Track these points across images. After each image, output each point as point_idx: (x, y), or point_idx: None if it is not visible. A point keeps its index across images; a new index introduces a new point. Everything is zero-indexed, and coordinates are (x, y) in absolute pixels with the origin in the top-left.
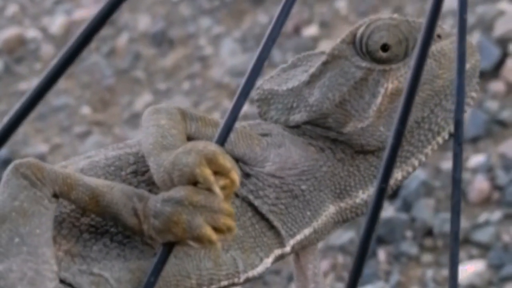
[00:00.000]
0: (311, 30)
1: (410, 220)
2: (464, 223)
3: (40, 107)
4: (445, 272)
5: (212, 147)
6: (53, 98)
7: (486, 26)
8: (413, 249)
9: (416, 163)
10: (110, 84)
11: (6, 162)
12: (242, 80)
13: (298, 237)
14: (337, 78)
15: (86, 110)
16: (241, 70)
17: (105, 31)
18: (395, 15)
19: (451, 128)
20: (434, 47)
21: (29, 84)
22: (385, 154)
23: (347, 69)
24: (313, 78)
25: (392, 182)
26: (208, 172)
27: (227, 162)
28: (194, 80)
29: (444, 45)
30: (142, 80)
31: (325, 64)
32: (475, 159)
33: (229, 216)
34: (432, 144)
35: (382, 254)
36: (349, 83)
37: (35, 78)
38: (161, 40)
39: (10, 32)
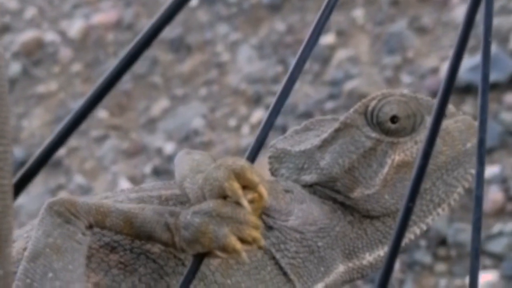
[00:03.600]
0: (328, 39)
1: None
2: None
3: (58, 110)
4: (458, 281)
5: (241, 162)
6: (71, 102)
7: (502, 38)
8: (426, 258)
9: (417, 231)
10: (128, 89)
11: (23, 163)
12: (274, 99)
13: None
14: (348, 145)
15: (103, 114)
16: (258, 77)
17: (122, 36)
18: (406, 91)
19: (451, 200)
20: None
21: (47, 87)
22: (403, 204)
23: (358, 138)
24: (325, 143)
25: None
26: (236, 186)
27: (254, 176)
28: (211, 86)
29: (449, 124)
30: (159, 85)
31: (337, 131)
32: (489, 170)
33: (255, 228)
34: (433, 215)
35: (396, 262)
36: (358, 152)
37: (52, 82)
38: (178, 46)
39: (29, 35)
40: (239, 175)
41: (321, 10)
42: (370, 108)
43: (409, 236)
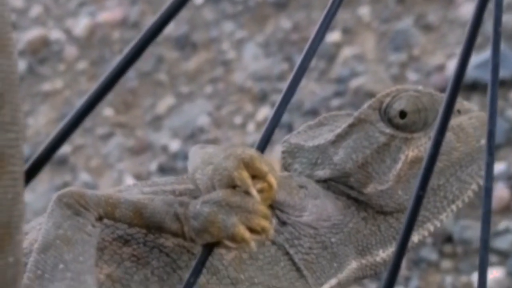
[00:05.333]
0: (334, 36)
1: None
2: None
3: (63, 108)
4: (464, 278)
5: (250, 152)
6: (76, 99)
7: (509, 35)
8: (433, 255)
9: (431, 228)
10: (133, 87)
11: (28, 160)
12: (284, 89)
13: (325, 286)
14: (362, 141)
15: (109, 111)
16: (264, 74)
17: (128, 34)
18: (420, 88)
19: (465, 197)
20: (454, 122)
21: (53, 85)
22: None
23: (372, 133)
24: (339, 138)
25: (408, 244)
26: (245, 175)
27: (263, 166)
28: (216, 84)
29: (463, 120)
30: (164, 83)
31: (351, 126)
32: (495, 167)
33: (264, 217)
34: (447, 211)
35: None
36: (372, 147)
37: (58, 79)
38: (184, 44)
39: (34, 33)
40: (248, 164)
41: (327, 8)
42: (384, 104)
43: (423, 233)
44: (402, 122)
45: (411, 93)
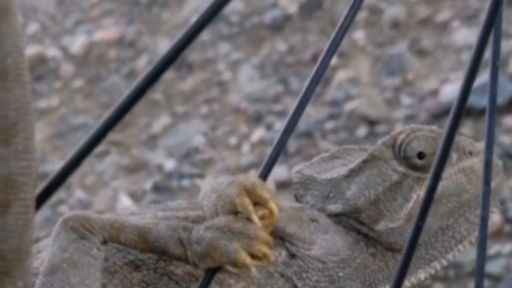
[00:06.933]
0: None
1: None
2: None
3: (59, 125)
4: None
5: (252, 179)
6: (72, 117)
7: (501, 61)
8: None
9: (438, 266)
10: None
11: None
12: (286, 119)
13: None
14: (375, 177)
15: None
16: (259, 96)
17: (124, 53)
18: (434, 127)
19: (472, 238)
20: (465, 163)
21: (49, 102)
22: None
23: (385, 170)
24: (352, 173)
25: (415, 281)
26: (247, 202)
27: (265, 193)
28: (212, 104)
29: (474, 163)
30: (160, 102)
31: (364, 162)
32: None
33: (265, 243)
34: (454, 251)
35: None
36: (385, 184)
37: (54, 97)
38: (180, 64)
39: (31, 50)
40: (250, 191)
41: (334, 32)
42: (398, 142)
43: (429, 271)
44: (420, 163)
45: (428, 134)
